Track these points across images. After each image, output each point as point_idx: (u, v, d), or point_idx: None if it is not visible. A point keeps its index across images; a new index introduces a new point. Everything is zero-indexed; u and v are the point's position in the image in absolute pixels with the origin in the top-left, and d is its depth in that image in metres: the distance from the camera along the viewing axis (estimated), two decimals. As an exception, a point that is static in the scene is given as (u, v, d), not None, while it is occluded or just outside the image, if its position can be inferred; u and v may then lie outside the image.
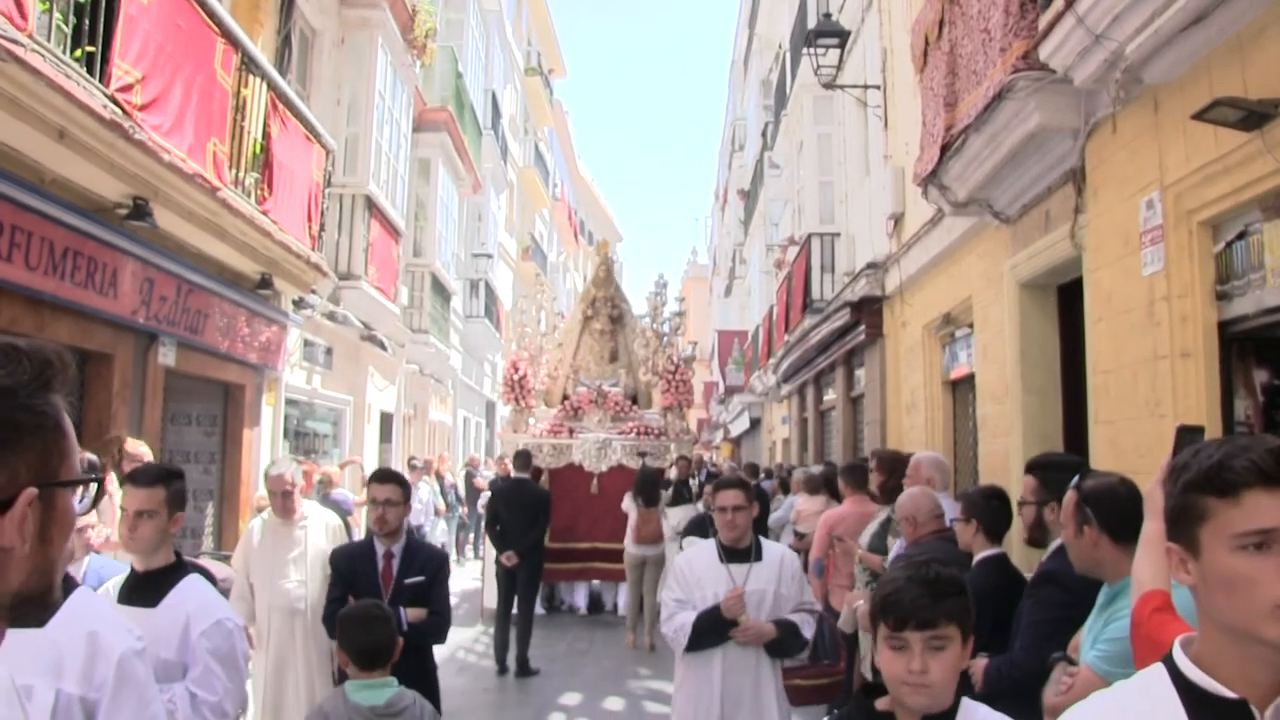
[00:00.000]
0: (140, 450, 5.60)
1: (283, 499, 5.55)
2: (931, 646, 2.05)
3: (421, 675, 4.54)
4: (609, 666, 9.73)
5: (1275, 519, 1.36)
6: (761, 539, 4.62)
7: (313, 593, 5.50)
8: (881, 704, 2.17)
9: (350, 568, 4.80)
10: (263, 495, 8.72)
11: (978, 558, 4.05)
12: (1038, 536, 3.75)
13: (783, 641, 4.35)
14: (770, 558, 4.51)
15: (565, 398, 13.80)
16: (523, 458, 10.58)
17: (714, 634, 4.31)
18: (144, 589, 3.25)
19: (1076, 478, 3.00)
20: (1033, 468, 3.75)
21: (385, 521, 4.77)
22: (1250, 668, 1.39)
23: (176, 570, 3.33)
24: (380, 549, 4.80)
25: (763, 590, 4.38)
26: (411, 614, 4.59)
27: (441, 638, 4.86)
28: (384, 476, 4.97)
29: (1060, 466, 3.62)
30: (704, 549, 4.63)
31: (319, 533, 5.72)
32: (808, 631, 4.42)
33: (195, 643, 3.10)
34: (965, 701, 2.12)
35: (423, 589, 4.72)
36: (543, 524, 9.92)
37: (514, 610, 9.57)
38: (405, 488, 4.91)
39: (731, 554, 4.46)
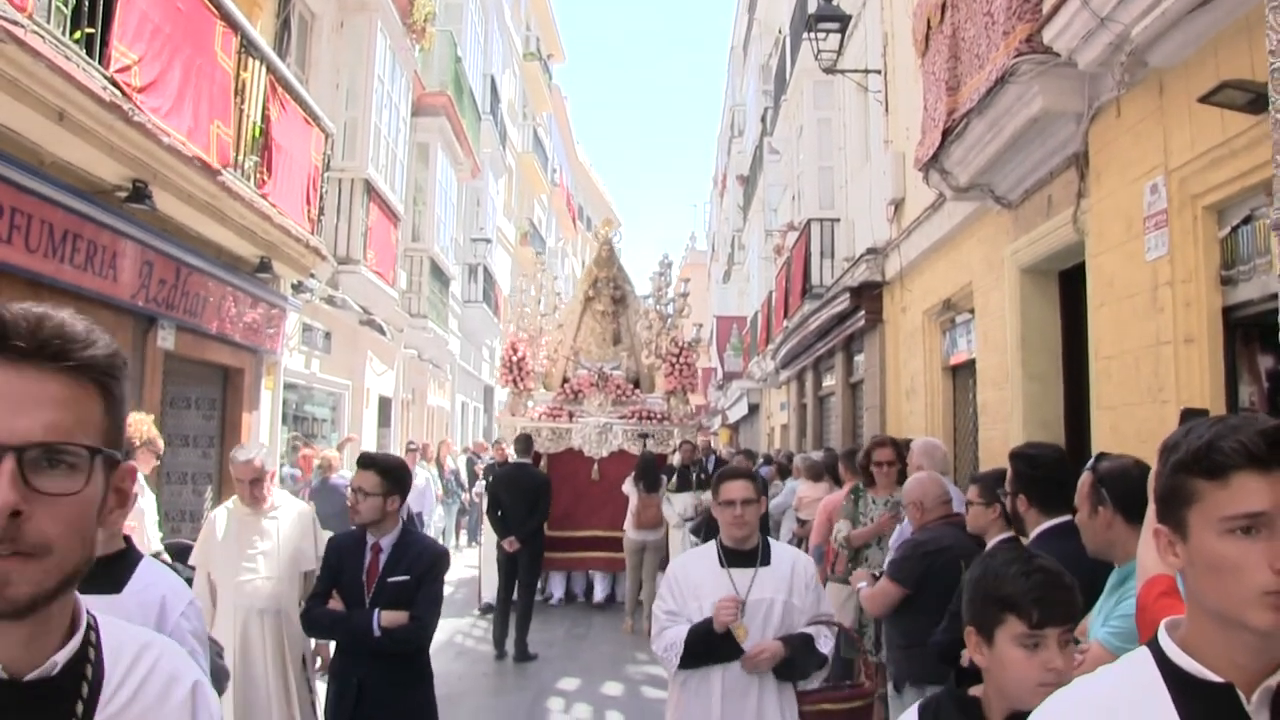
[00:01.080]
0: (143, 430, 5.31)
1: (252, 487, 5.02)
2: (1062, 643, 2.02)
3: (415, 681, 4.27)
4: (607, 651, 9.75)
5: (1263, 502, 1.32)
6: (771, 540, 4.04)
7: (284, 590, 5.05)
8: (975, 690, 2.13)
9: (339, 561, 4.31)
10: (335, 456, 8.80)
11: (992, 541, 4.05)
12: (1016, 526, 3.76)
13: (793, 661, 3.72)
14: (780, 562, 3.89)
15: (565, 380, 13.61)
16: (523, 442, 10.47)
17: (711, 652, 3.72)
18: (101, 575, 2.93)
19: (1093, 459, 3.00)
20: (1010, 458, 3.74)
21: (356, 512, 4.26)
22: (1236, 653, 1.36)
23: (130, 554, 3.11)
24: (369, 540, 4.26)
25: (769, 599, 3.78)
26: (386, 618, 4.08)
27: (414, 644, 4.23)
28: (365, 462, 4.38)
29: (1030, 460, 3.60)
30: (702, 552, 4.06)
31: (291, 524, 5.17)
32: (825, 646, 3.80)
33: (176, 624, 2.92)
34: None
35: (408, 590, 4.16)
36: (543, 509, 9.89)
37: (514, 596, 9.57)
38: (390, 477, 4.26)
39: (734, 557, 3.85)
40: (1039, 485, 3.49)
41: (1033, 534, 3.50)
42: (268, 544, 5.03)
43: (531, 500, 9.72)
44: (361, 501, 4.23)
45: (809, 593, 3.89)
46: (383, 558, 4.23)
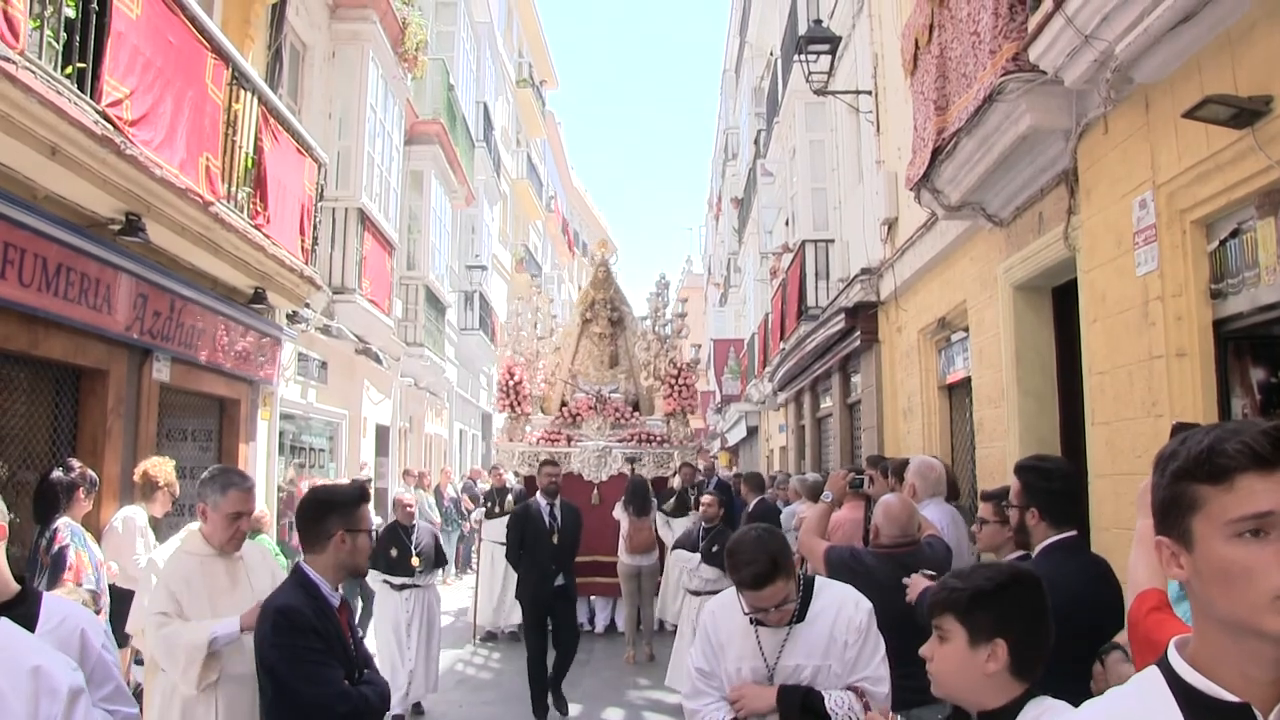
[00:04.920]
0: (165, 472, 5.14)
1: (240, 522, 4.03)
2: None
3: None
4: (609, 677, 9.70)
5: (1271, 502, 1.29)
6: (820, 582, 3.34)
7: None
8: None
9: (326, 632, 3.21)
10: (263, 512, 8.69)
11: (1005, 560, 4.00)
12: (1020, 539, 3.73)
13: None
14: (820, 618, 3.16)
15: (563, 404, 13.54)
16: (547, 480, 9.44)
17: None
18: (12, 618, 2.65)
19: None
20: (1017, 470, 3.69)
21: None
22: (1249, 666, 1.32)
23: (29, 594, 2.82)
24: (332, 598, 3.27)
25: (797, 666, 3.14)
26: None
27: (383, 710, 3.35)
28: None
29: (1045, 473, 3.54)
30: (733, 600, 3.30)
31: (258, 564, 4.17)
32: (836, 707, 3.05)
33: (100, 657, 2.77)
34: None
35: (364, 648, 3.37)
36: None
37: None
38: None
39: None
40: (1053, 498, 3.44)
41: (1038, 548, 3.46)
42: (240, 592, 3.97)
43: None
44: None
45: (849, 650, 3.17)
46: (348, 617, 3.35)
